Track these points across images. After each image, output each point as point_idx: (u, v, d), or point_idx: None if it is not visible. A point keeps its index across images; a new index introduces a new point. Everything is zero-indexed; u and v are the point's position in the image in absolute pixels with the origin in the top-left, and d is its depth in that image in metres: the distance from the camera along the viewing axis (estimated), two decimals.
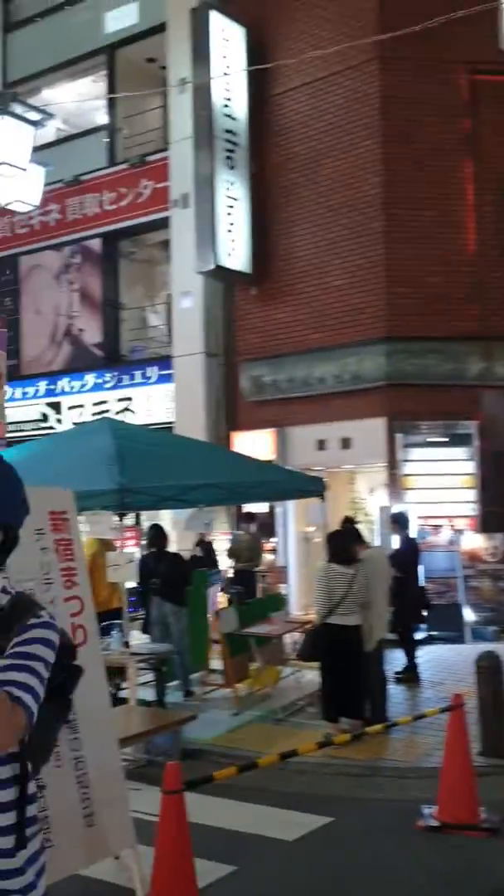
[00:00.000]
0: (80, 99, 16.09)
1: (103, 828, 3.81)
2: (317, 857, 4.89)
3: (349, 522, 8.87)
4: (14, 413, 15.36)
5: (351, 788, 6.09)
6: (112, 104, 15.20)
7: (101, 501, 6.59)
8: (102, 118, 15.51)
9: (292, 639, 9.12)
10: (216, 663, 8.88)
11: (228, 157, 12.58)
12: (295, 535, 12.93)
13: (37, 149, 14.07)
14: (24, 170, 10.20)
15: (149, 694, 7.99)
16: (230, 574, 11.41)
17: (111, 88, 15.19)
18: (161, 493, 6.88)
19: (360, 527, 8.53)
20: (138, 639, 8.63)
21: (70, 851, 3.59)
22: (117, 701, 7.00)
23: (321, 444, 12.41)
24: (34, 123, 10.41)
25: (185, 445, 8.93)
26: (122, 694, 7.07)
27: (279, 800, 5.83)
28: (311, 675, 8.32)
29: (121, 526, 6.59)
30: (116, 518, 6.40)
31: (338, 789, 6.07)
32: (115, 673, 7.01)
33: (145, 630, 8.68)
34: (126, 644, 6.75)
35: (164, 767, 3.90)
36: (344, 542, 7.23)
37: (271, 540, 12.72)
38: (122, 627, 6.98)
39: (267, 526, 12.61)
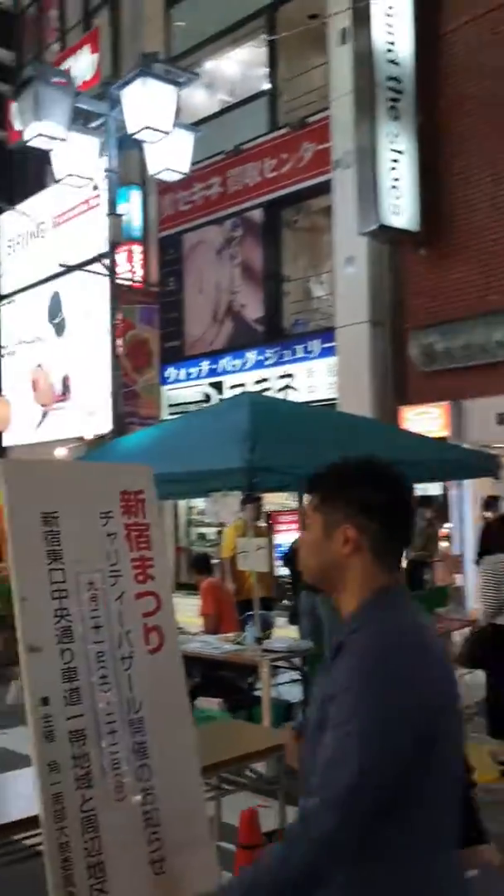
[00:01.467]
0: (242, 67, 15.54)
1: (177, 875, 3.07)
2: None
3: None
4: (179, 394, 15.17)
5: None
6: (273, 68, 14.51)
7: (228, 481, 5.96)
8: (265, 85, 14.85)
9: (462, 637, 8.08)
10: None
11: (392, 107, 11.49)
12: (472, 520, 11.75)
13: (199, 122, 13.80)
14: (168, 133, 9.72)
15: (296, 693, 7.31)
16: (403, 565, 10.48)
17: (272, 50, 14.48)
18: (295, 472, 6.11)
19: None
20: (287, 631, 7.95)
21: None
22: (252, 699, 6.37)
23: (502, 419, 11.17)
24: (177, 84, 9.90)
25: (332, 420, 8.08)
26: (257, 693, 6.39)
27: None
28: (482, 678, 7.27)
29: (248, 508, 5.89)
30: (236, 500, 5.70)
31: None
32: (251, 672, 6.38)
33: (293, 621, 7.97)
34: (258, 640, 6.05)
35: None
36: None
37: (445, 526, 11.64)
38: (254, 620, 6.30)
39: (440, 510, 11.55)
